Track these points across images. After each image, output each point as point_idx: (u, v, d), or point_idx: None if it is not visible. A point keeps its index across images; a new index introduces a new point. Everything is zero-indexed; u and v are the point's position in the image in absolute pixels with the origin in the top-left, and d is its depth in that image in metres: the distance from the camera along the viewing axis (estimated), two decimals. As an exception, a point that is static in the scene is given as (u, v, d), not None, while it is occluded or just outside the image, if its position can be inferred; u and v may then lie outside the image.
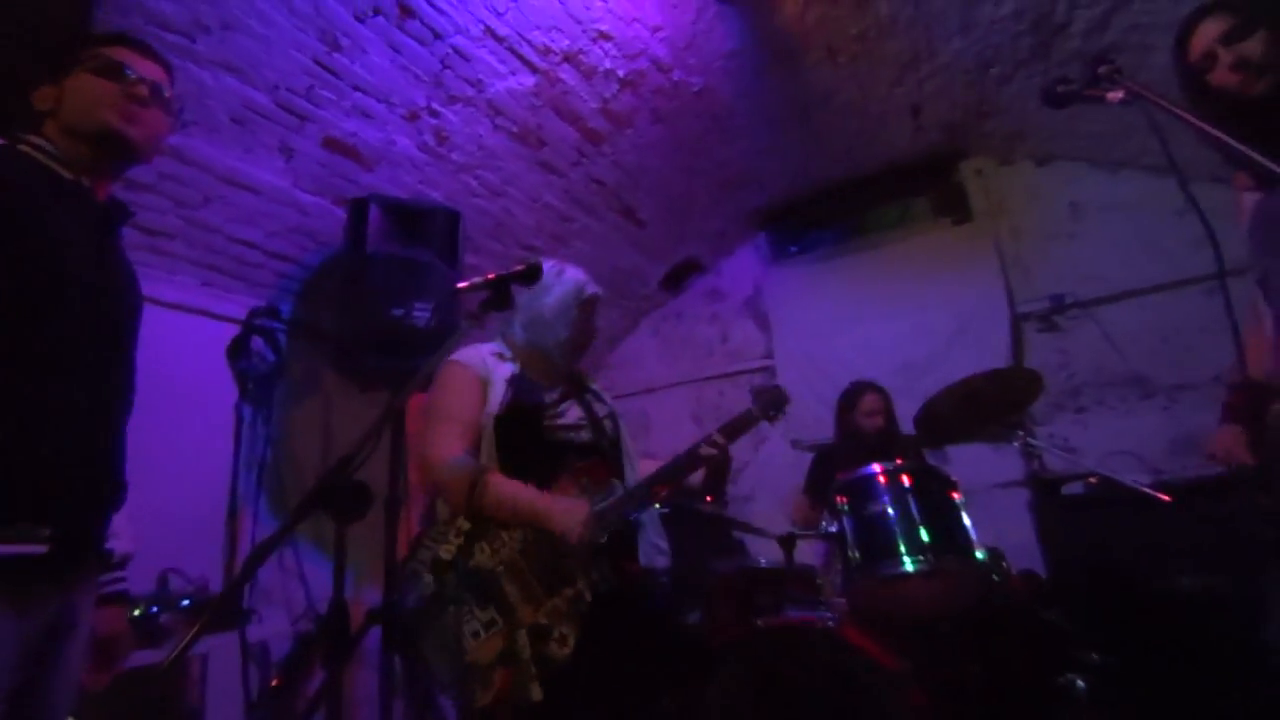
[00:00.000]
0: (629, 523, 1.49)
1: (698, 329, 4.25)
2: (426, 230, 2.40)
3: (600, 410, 1.67)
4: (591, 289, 1.66)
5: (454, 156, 2.62)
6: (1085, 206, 3.30)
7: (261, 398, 2.57)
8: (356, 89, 2.26)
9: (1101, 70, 1.14)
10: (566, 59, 2.47)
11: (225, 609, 2.02)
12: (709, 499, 2.98)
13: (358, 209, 2.35)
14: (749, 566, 2.14)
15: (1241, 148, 0.88)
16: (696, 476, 1.61)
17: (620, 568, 1.37)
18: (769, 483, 3.78)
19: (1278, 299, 1.22)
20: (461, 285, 1.36)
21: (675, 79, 2.71)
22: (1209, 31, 1.21)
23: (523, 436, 1.49)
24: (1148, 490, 1.92)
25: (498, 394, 1.52)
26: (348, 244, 2.34)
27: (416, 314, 2.25)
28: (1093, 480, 2.33)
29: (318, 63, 2.13)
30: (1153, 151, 3.06)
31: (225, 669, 2.15)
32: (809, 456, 3.01)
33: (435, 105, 2.42)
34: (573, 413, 1.59)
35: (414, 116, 2.42)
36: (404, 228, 2.39)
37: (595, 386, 1.76)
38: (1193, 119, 0.98)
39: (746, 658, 1.70)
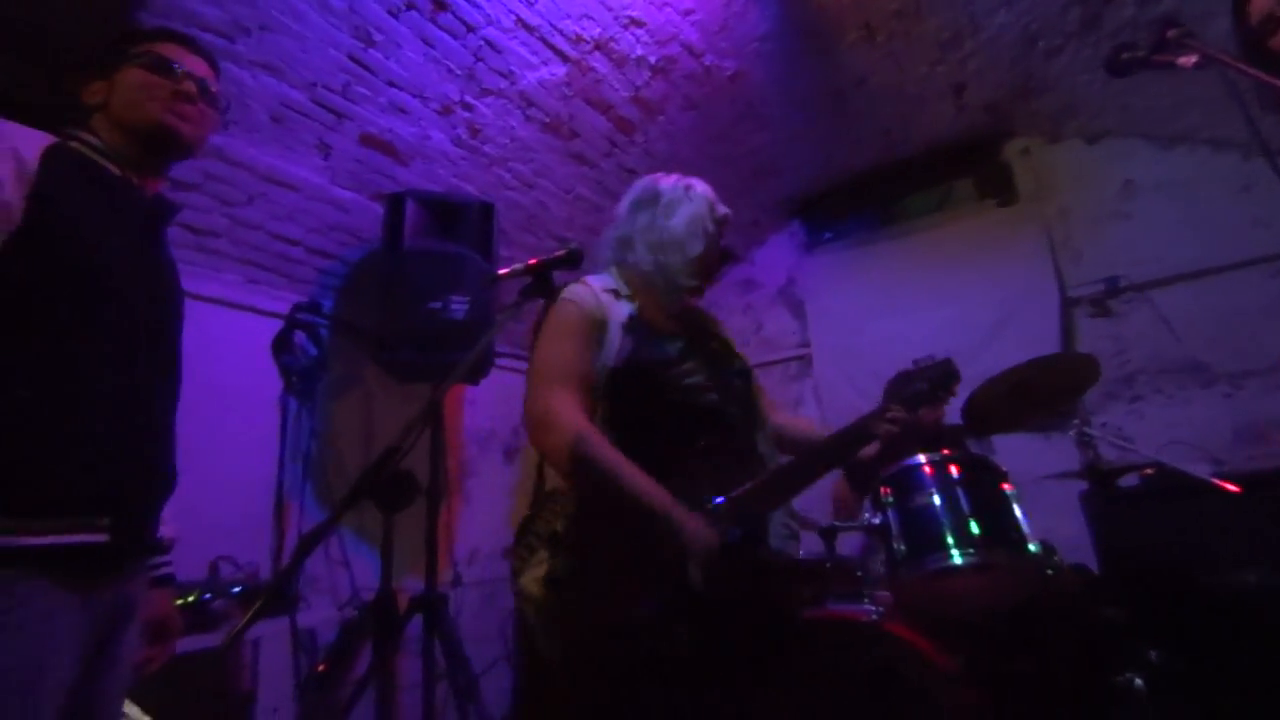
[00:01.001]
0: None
1: (732, 319, 4.20)
2: (461, 224, 2.42)
3: (729, 366, 1.39)
4: (723, 208, 1.43)
5: (487, 149, 2.63)
6: (1139, 185, 3.15)
7: (305, 391, 2.63)
8: (391, 84, 2.27)
9: (1171, 34, 1.07)
10: (598, 47, 2.44)
11: (276, 595, 2.07)
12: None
13: (394, 205, 2.37)
14: (790, 559, 2.10)
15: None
16: (867, 452, 1.34)
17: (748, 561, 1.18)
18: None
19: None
20: (502, 272, 1.32)
21: (707, 64, 2.66)
22: None
23: (641, 400, 1.24)
24: (1214, 481, 1.82)
25: (614, 341, 1.27)
26: (385, 239, 2.37)
27: (453, 307, 2.27)
28: (1149, 471, 2.22)
29: (353, 59, 2.15)
30: (1212, 125, 2.90)
31: (276, 654, 2.23)
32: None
33: (468, 98, 2.42)
34: (697, 370, 1.29)
35: (448, 110, 2.43)
36: (439, 222, 2.41)
37: (723, 333, 1.48)
38: (1268, 78, 0.91)
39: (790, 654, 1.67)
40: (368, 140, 2.39)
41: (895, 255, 3.65)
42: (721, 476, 1.20)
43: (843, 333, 3.68)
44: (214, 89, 1.25)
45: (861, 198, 3.74)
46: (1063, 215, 3.29)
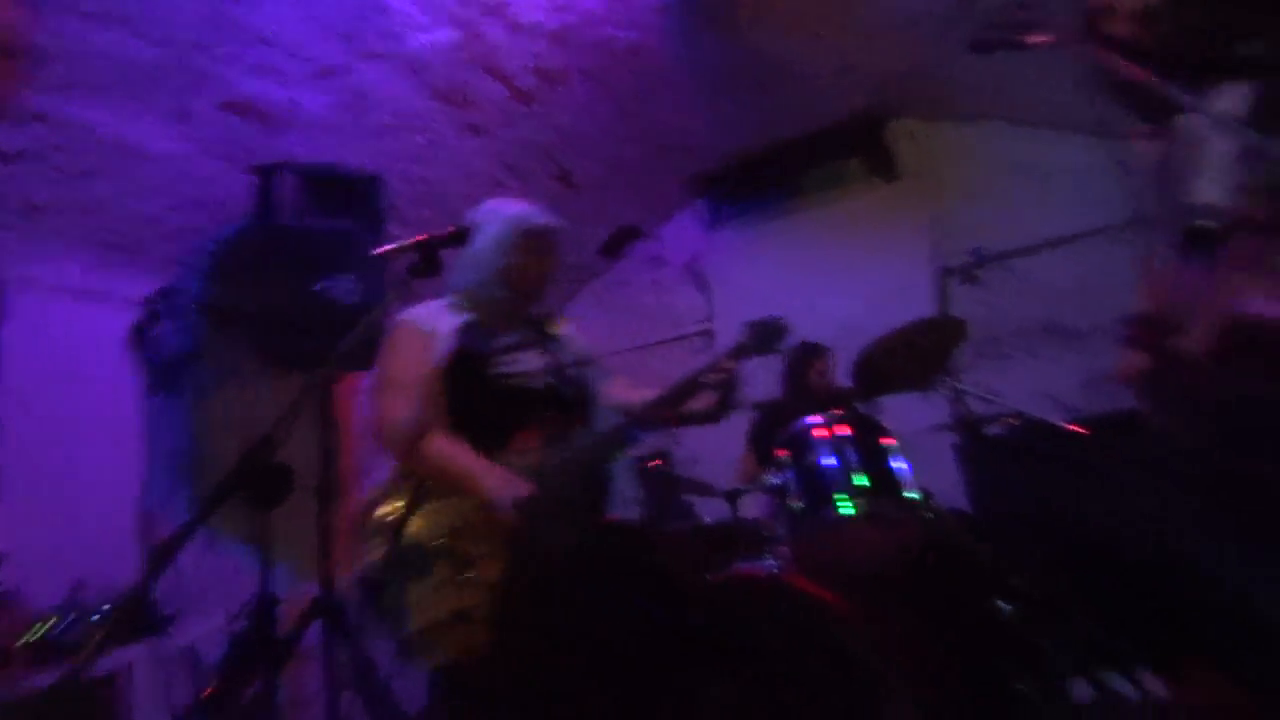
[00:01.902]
0: (601, 472, 1.46)
1: (640, 296, 4.23)
2: (346, 198, 2.25)
3: (568, 356, 1.58)
4: (540, 219, 1.57)
5: (373, 117, 2.46)
6: (1004, 163, 3.45)
7: (171, 386, 2.38)
8: (261, 41, 2.07)
9: (1023, 16, 1.16)
10: (490, 10, 2.34)
11: (138, 615, 1.88)
12: (657, 461, 2.99)
13: (267, 176, 2.17)
14: (697, 525, 2.17)
15: (1156, 81, 0.91)
16: (699, 404, 1.56)
17: (599, 522, 1.34)
18: (714, 443, 3.82)
19: (1174, 239, 1.29)
20: (384, 249, 1.27)
21: (607, 34, 2.62)
22: None
23: (470, 389, 1.43)
24: (1066, 426, 2.05)
25: (444, 346, 1.46)
26: (258, 215, 2.17)
27: (340, 287, 2.12)
28: (1013, 421, 2.47)
29: (216, 14, 1.94)
30: (1066, 111, 3.21)
31: (153, 679, 2.03)
32: (748, 417, 3.07)
33: (350, 62, 2.25)
34: (533, 359, 1.50)
35: (327, 73, 2.25)
36: (321, 196, 2.23)
37: (565, 331, 1.67)
38: (1111, 57, 1.01)
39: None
40: (234, 105, 2.18)
41: (794, 231, 3.81)
42: (552, 450, 1.38)
43: (746, 307, 3.74)
44: (18, 41, 1.06)
45: (762, 176, 3.85)
46: (941, 192, 3.56)
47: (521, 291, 1.57)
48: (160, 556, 1.08)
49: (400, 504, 1.40)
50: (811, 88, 3.32)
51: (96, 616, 1.85)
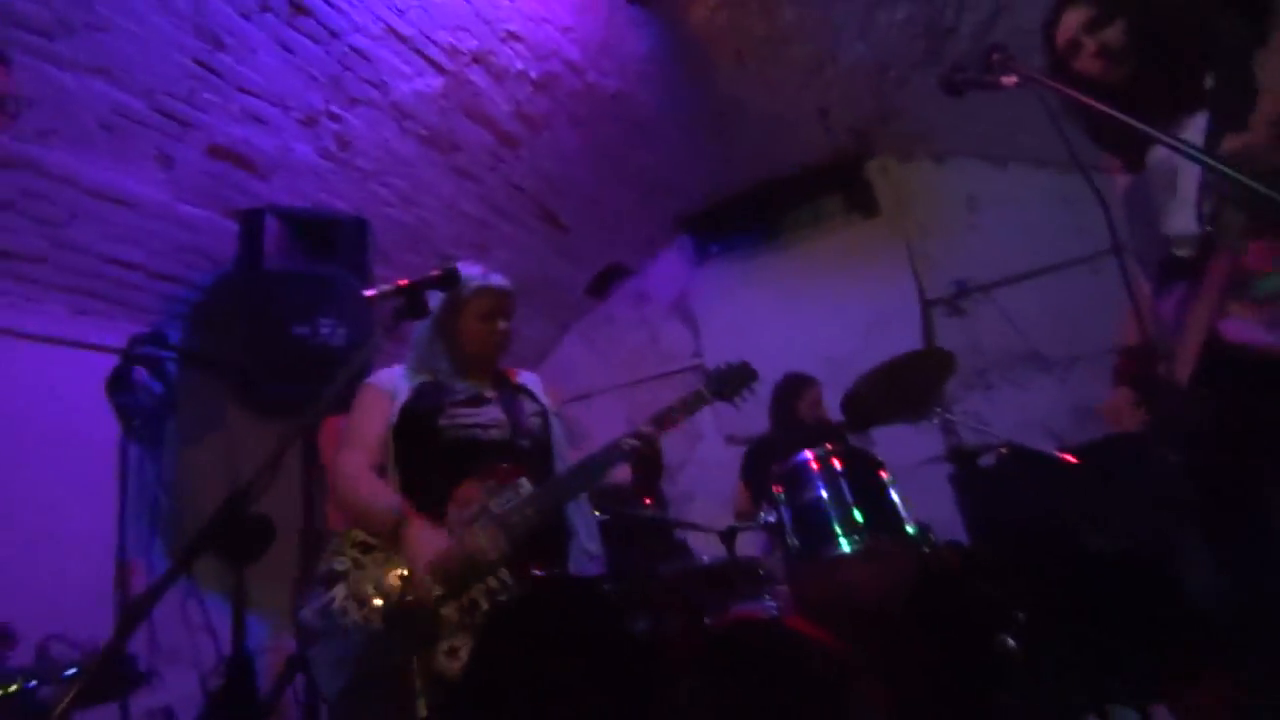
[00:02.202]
0: (557, 528, 1.44)
1: (627, 333, 4.23)
2: (332, 242, 2.25)
3: (528, 408, 1.58)
4: (490, 280, 1.57)
5: (359, 163, 2.48)
6: (980, 199, 3.55)
7: (150, 436, 2.32)
8: (244, 91, 2.10)
9: (995, 57, 1.20)
10: (475, 60, 2.39)
11: (111, 673, 1.79)
12: (647, 500, 2.95)
13: (251, 221, 2.17)
14: (692, 566, 2.12)
15: (1124, 117, 0.94)
16: (625, 475, 1.56)
17: (527, 575, 1.29)
18: (707, 480, 3.79)
19: (1151, 270, 1.32)
20: (370, 293, 1.26)
21: (590, 81, 2.69)
22: (1073, 20, 1.29)
23: (419, 443, 1.45)
24: (1054, 454, 2.05)
25: (400, 403, 1.49)
26: (242, 260, 2.16)
27: (325, 332, 2.10)
28: (1004, 450, 2.47)
29: (199, 63, 1.97)
30: (1037, 146, 3.32)
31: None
32: (741, 451, 3.05)
33: (335, 108, 2.28)
34: (487, 412, 1.51)
35: (312, 121, 2.28)
36: (306, 240, 2.23)
37: (526, 385, 1.68)
38: (1078, 95, 1.04)
39: (700, 659, 1.67)
40: (218, 152, 2.18)
41: (777, 268, 3.86)
42: (495, 500, 1.36)
43: (733, 342, 3.81)
44: None
45: (745, 214, 3.93)
46: (919, 227, 3.64)
47: (474, 355, 1.58)
48: (135, 611, 1.02)
49: (346, 551, 1.37)
50: (791, 130, 3.42)
51: (68, 674, 1.75)
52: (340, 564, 1.34)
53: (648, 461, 1.46)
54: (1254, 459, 1.13)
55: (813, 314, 3.65)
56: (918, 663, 1.80)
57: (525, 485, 1.36)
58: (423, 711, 1.16)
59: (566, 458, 1.59)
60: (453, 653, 1.20)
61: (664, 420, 1.46)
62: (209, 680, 2.29)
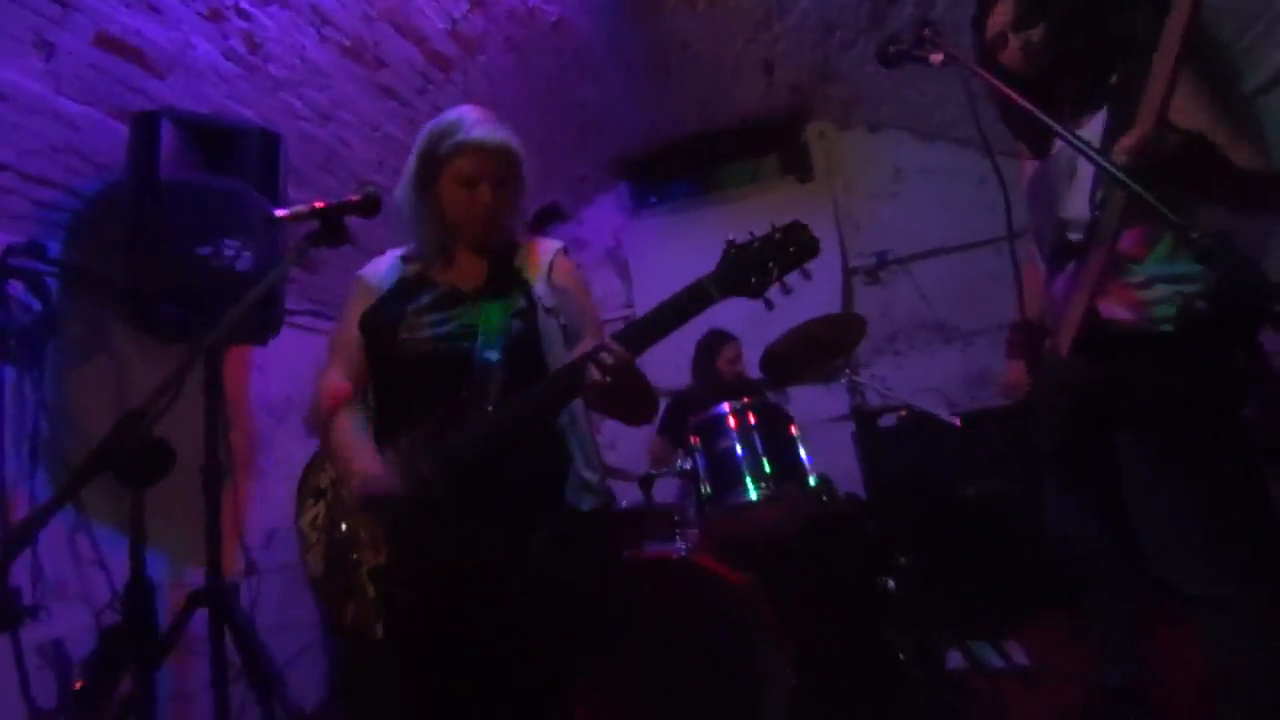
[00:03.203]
0: (553, 453, 1.21)
1: (559, 279, 4.18)
2: (238, 155, 2.05)
3: (513, 303, 1.25)
4: (470, 134, 1.22)
5: (271, 69, 2.26)
6: (906, 171, 3.68)
7: (27, 357, 2.11)
8: (137, -26, 1.85)
9: (926, 33, 1.24)
10: (406, -32, 2.21)
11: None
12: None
13: (145, 124, 1.95)
14: (611, 509, 2.20)
15: (1030, 107, 1.00)
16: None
17: (475, 511, 1.14)
18: (628, 429, 3.88)
19: (1047, 252, 1.44)
20: (281, 213, 1.15)
21: (530, 5, 2.54)
22: (1001, 15, 1.36)
23: (381, 357, 1.25)
24: (945, 418, 2.24)
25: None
26: (133, 168, 1.94)
27: (229, 254, 1.94)
28: (904, 413, 2.68)
29: (79, -65, 1.71)
30: (961, 125, 3.46)
31: (9, 675, 1.82)
32: (664, 402, 3.14)
33: (244, 5, 2.05)
34: (459, 315, 1.24)
35: (217, 16, 2.04)
36: (208, 150, 2.02)
37: (523, 269, 1.32)
38: (996, 82, 1.10)
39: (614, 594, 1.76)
40: (107, 41, 1.93)
41: (711, 222, 3.88)
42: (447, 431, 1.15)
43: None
44: None
45: (684, 165, 3.91)
46: (848, 193, 3.75)
47: (460, 232, 1.29)
48: (14, 541, 0.95)
49: (328, 467, 1.29)
50: (734, 81, 3.39)
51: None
52: (324, 480, 1.28)
53: (616, 390, 1.05)
54: (1110, 414, 1.28)
55: (742, 271, 3.72)
56: (811, 598, 1.97)
57: (477, 418, 1.13)
58: (379, 633, 1.12)
59: (561, 359, 1.25)
60: (408, 583, 1.13)
61: (638, 333, 1.08)
62: (104, 615, 2.19)
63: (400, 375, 1.23)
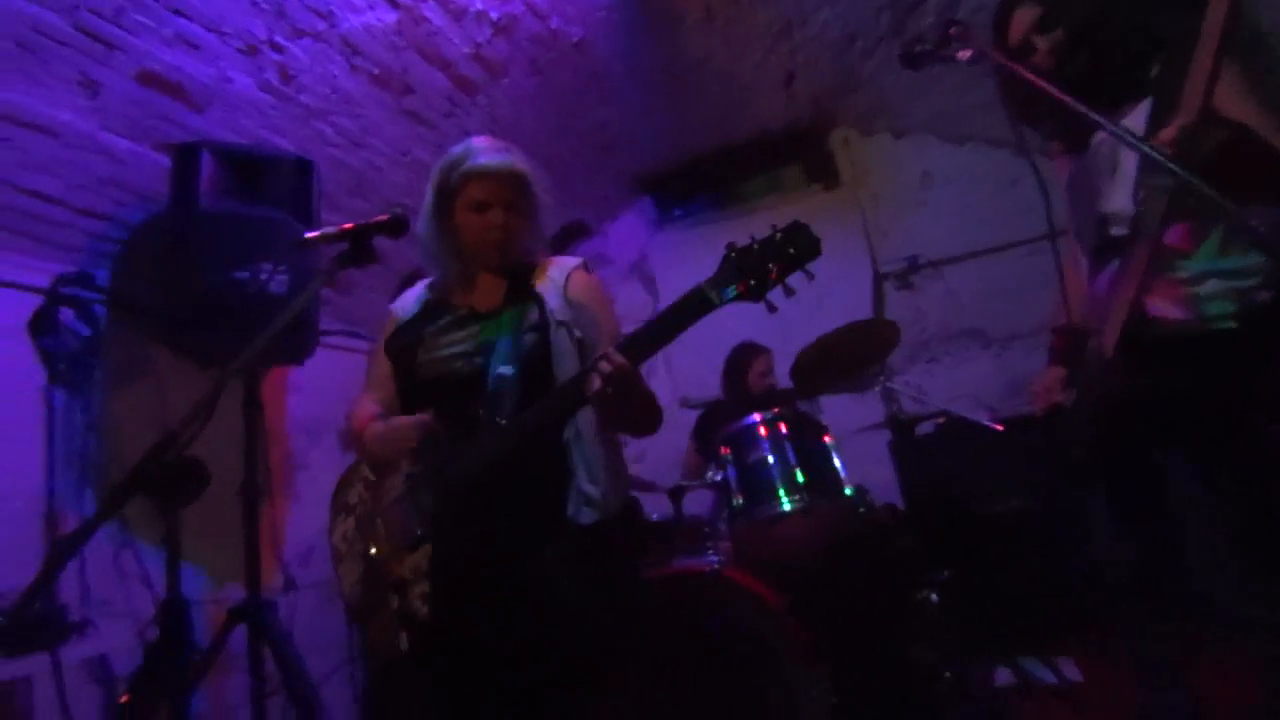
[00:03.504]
0: (557, 467, 1.22)
1: (585, 294, 4.20)
2: (273, 183, 2.12)
3: (528, 322, 1.27)
4: (478, 160, 1.29)
5: (303, 99, 2.34)
6: (934, 176, 3.62)
7: (77, 380, 2.20)
8: (178, 14, 1.94)
9: (952, 31, 1.21)
10: (431, -5, 2.27)
11: (38, 623, 1.73)
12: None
13: (185, 156, 2.03)
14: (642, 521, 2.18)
15: (1066, 98, 0.97)
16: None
17: (484, 527, 1.17)
18: (659, 441, 3.84)
19: (1089, 249, 1.38)
20: (311, 235, 1.19)
21: (552, 26, 2.59)
22: (1023, 20, 1.32)
23: (404, 380, 1.31)
24: (985, 423, 2.16)
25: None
26: (175, 198, 2.02)
27: (266, 278, 2.00)
28: (941, 420, 2.60)
29: (123, -22, 1.80)
30: (991, 127, 3.39)
31: (56, 691, 1.87)
32: (695, 414, 3.11)
33: (278, 38, 2.13)
34: (474, 336, 1.27)
35: (253, 50, 2.13)
36: (245, 179, 2.10)
37: (541, 288, 1.33)
38: (1030, 75, 1.07)
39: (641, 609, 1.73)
40: (149, 79, 2.02)
41: (737, 232, 3.80)
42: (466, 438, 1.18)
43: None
44: None
45: (707, 178, 3.91)
46: (874, 200, 3.70)
47: (476, 256, 1.33)
48: (58, 557, 0.98)
49: (355, 484, 1.35)
50: (755, 95, 3.39)
51: (-4, 625, 1.69)
52: (354, 495, 1.33)
53: (618, 400, 1.05)
54: (1159, 427, 1.22)
55: (769, 281, 3.69)
56: (848, 614, 1.91)
57: (481, 425, 1.15)
58: (404, 645, 1.14)
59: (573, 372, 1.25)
60: (423, 597, 1.12)
61: (638, 343, 1.07)
62: (146, 631, 2.24)
63: (421, 395, 1.26)
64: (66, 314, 2.18)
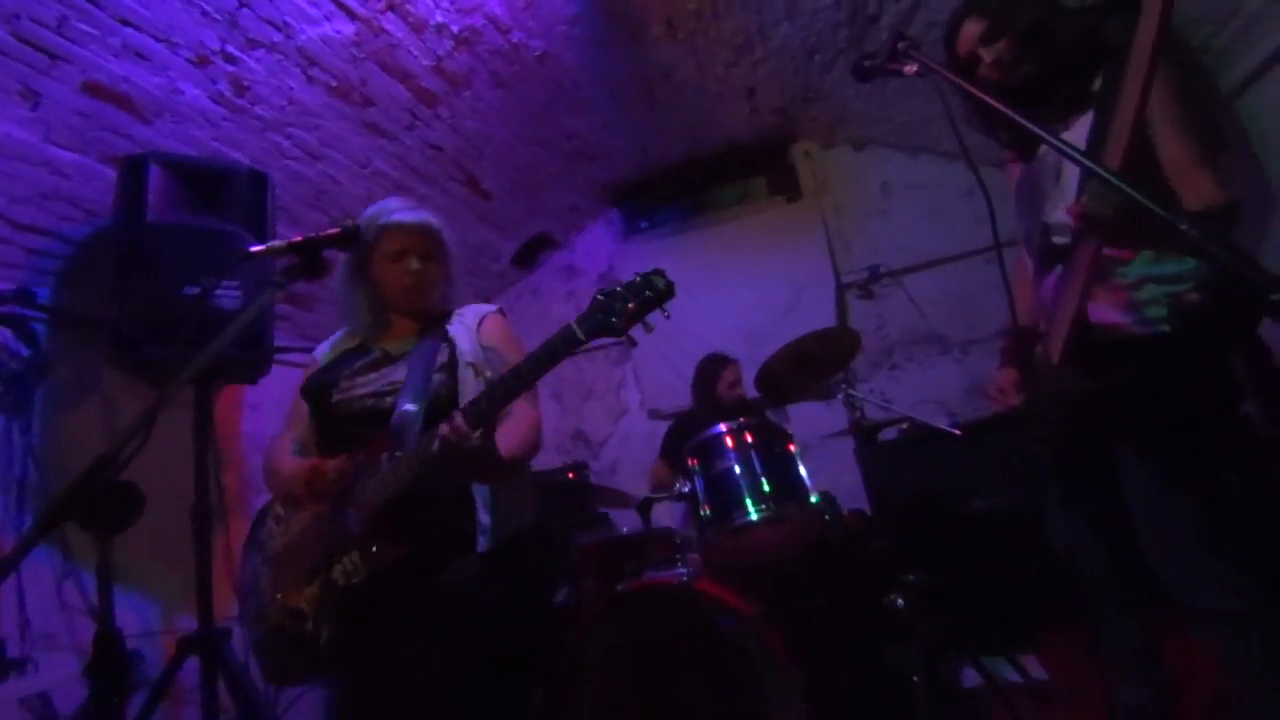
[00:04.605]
0: (458, 499, 1.29)
1: (554, 306, 4.19)
2: (226, 196, 2.06)
3: (437, 362, 1.37)
4: (393, 216, 1.40)
5: (258, 111, 2.29)
6: (894, 186, 3.71)
7: (16, 403, 2.10)
8: (125, 23, 1.88)
9: (900, 45, 1.24)
10: (390, 7, 2.24)
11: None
12: (570, 475, 2.95)
13: (132, 168, 1.96)
14: (610, 536, 2.16)
15: (1008, 111, 1.00)
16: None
17: (382, 552, 1.20)
18: (630, 454, 3.85)
19: (1037, 256, 1.43)
20: (256, 249, 1.17)
21: (514, 40, 2.59)
22: (970, 32, 1.37)
23: (321, 419, 1.41)
24: (946, 429, 2.21)
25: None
26: (121, 212, 1.95)
27: (220, 294, 1.94)
28: (904, 426, 2.64)
29: (66, -13, 1.75)
30: (947, 139, 3.49)
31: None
32: (666, 426, 3.11)
33: (231, 49, 2.09)
34: (386, 376, 1.38)
35: (204, 61, 2.07)
36: (197, 192, 2.04)
37: (452, 330, 1.44)
38: (973, 89, 1.09)
39: (611, 625, 1.71)
40: (95, 89, 1.96)
41: (703, 244, 3.90)
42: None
43: (655, 317, 3.84)
44: None
45: (672, 189, 3.94)
46: (837, 211, 3.77)
47: (395, 303, 1.45)
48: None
49: (269, 522, 1.41)
50: (718, 106, 3.44)
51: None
52: (264, 533, 1.38)
53: (466, 460, 1.18)
54: (1108, 428, 1.25)
55: (735, 292, 3.73)
56: (818, 621, 1.92)
57: (386, 461, 1.24)
58: (303, 672, 1.24)
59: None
60: (316, 628, 1.21)
61: (506, 384, 1.16)
62: (91, 666, 2.13)
63: (336, 433, 1.37)
64: (4, 333, 2.08)
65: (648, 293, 1.16)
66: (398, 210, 1.43)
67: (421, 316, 1.48)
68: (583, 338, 1.15)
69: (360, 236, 1.34)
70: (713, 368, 2.95)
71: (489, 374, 1.38)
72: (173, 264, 1.91)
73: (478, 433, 1.13)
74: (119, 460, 0.77)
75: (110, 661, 0.99)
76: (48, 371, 2.17)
